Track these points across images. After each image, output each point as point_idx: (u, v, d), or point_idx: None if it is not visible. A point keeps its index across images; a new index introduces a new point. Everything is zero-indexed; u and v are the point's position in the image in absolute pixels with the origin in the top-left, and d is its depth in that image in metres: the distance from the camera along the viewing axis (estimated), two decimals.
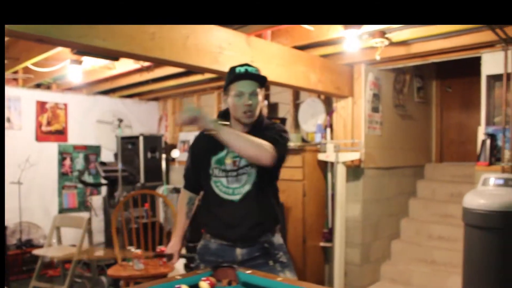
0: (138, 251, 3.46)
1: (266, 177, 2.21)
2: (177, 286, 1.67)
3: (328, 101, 5.01)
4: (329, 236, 4.71)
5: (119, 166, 4.80)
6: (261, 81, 2.17)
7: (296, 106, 5.43)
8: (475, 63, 4.27)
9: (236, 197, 2.18)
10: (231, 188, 2.18)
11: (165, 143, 6.72)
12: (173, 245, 2.37)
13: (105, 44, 2.70)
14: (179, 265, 3.93)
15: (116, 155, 5.79)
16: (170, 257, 2.35)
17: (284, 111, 5.58)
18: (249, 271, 1.92)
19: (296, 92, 5.44)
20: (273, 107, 5.70)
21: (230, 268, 1.96)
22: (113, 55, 3.17)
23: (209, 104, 6.64)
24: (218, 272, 1.96)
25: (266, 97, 5.72)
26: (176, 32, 3.01)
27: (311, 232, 4.67)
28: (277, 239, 2.27)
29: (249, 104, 2.09)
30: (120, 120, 5.05)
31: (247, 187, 2.17)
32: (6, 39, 3.89)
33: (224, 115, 2.25)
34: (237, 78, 2.12)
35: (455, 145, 6.17)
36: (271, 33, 3.76)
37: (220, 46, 3.29)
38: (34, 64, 4.59)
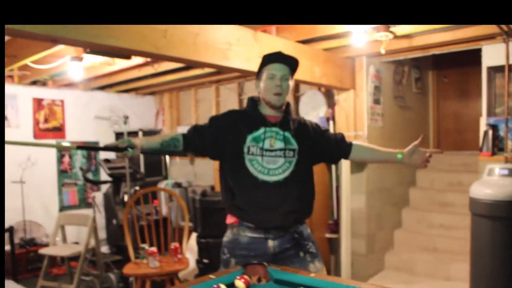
0: (153, 249, 3.47)
1: (306, 166, 2.24)
2: (215, 286, 1.69)
3: (329, 94, 5.04)
4: (334, 227, 4.77)
5: (127, 163, 4.80)
6: (293, 66, 2.22)
7: (297, 99, 5.46)
8: (471, 53, 4.33)
9: (272, 178, 2.14)
10: (267, 168, 2.14)
11: None
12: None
13: (118, 43, 2.69)
14: (191, 262, 3.95)
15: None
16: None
17: None
18: (279, 268, 1.94)
19: (296, 84, 5.46)
20: None
21: (260, 265, 1.95)
22: (126, 54, 3.16)
23: (207, 98, 6.64)
24: (247, 269, 1.94)
25: None
26: (186, 30, 3.01)
27: (317, 224, 4.72)
28: (306, 229, 2.27)
29: (279, 85, 2.14)
30: (126, 117, 5.03)
31: (286, 173, 2.15)
32: (6, 37, 3.86)
33: (254, 101, 2.29)
34: (270, 60, 2.19)
35: (452, 134, 6.25)
36: (276, 28, 3.77)
37: (229, 42, 3.30)
38: (32, 61, 4.54)
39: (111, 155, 6.41)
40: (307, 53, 4.03)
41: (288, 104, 2.28)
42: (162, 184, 5.93)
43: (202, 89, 6.71)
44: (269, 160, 2.15)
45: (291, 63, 2.21)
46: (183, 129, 6.59)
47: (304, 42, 4.04)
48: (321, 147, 2.29)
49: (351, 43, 3.79)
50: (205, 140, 2.23)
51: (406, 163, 2.21)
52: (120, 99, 6.95)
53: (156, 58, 3.41)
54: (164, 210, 5.37)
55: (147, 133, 6.29)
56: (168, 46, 2.91)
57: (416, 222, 5.39)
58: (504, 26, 3.57)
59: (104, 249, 6.05)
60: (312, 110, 5.10)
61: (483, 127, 4.16)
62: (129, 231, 3.77)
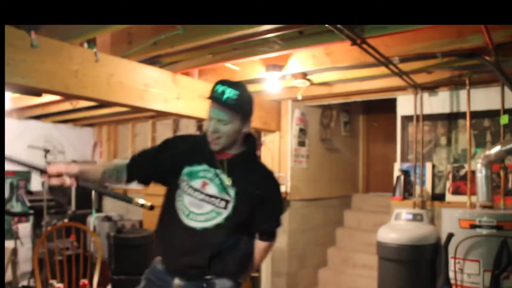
0: (61, 285, 3.42)
1: (236, 224, 1.93)
2: None
3: (257, 134, 5.18)
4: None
5: (44, 195, 4.75)
6: (236, 108, 1.87)
7: None
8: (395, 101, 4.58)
9: (190, 223, 1.91)
10: (188, 210, 1.92)
11: None
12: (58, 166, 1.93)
13: (25, 82, 2.71)
14: None
15: (43, 183, 5.67)
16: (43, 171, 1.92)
17: None
18: None
19: None
20: None
21: None
22: (34, 92, 3.18)
23: (144, 132, 6.69)
24: None
25: (200, 127, 5.84)
26: (100, 70, 3.07)
27: None
28: (222, 283, 1.94)
29: (214, 131, 1.88)
30: (47, 151, 4.99)
31: (208, 223, 1.90)
32: None
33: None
34: (210, 98, 1.89)
35: (380, 176, 6.49)
36: (198, 71, 3.90)
37: (146, 83, 3.38)
38: None
39: (38, 183, 6.30)
40: None
41: (250, 138, 2.02)
42: (90, 217, 5.84)
43: (140, 123, 6.75)
44: (193, 202, 1.92)
45: (234, 105, 1.86)
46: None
47: None
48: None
49: (264, 89, 3.94)
50: (144, 163, 2.03)
51: None
52: (56, 129, 6.86)
53: (68, 97, 3.46)
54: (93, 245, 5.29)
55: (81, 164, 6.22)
56: (79, 85, 2.95)
57: (341, 261, 5.51)
58: (409, 80, 3.82)
59: (32, 281, 5.85)
60: None
61: (396, 172, 4.38)
62: (40, 267, 3.69)
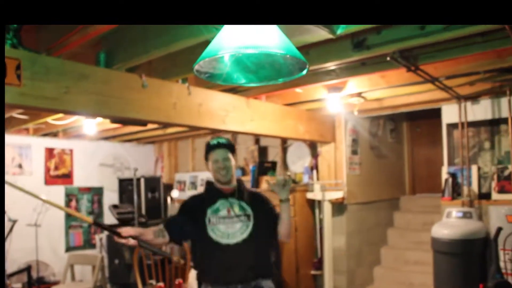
0: (160, 284, 4.01)
1: (263, 228, 2.66)
2: None
3: (312, 145, 5.71)
4: (318, 265, 5.34)
5: (131, 208, 5.39)
6: (230, 148, 2.71)
7: (284, 149, 6.12)
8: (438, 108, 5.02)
9: (232, 241, 2.55)
10: (227, 233, 2.56)
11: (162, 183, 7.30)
12: (128, 230, 2.44)
13: (138, 116, 3.34)
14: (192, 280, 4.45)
15: (121, 197, 6.36)
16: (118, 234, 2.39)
17: (273, 153, 6.28)
18: None
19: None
20: (263, 150, 6.37)
21: None
22: (143, 123, 3.79)
23: (203, 147, 7.26)
24: None
25: (257, 141, 6.42)
26: (191, 101, 3.67)
27: (303, 262, 5.30)
28: (268, 284, 2.65)
29: (222, 167, 2.62)
30: (136, 169, 5.65)
31: (244, 235, 2.57)
32: None
33: (210, 182, 2.78)
34: (211, 148, 2.69)
35: (425, 179, 6.92)
36: (266, 96, 4.45)
37: (226, 109, 3.96)
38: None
39: (109, 198, 7.01)
40: (292, 114, 4.71)
41: (240, 180, 2.82)
42: None
43: (199, 139, 7.37)
44: (227, 226, 2.59)
45: (228, 147, 2.71)
46: (180, 176, 7.19)
47: (290, 104, 4.73)
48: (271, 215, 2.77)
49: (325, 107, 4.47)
50: (177, 226, 2.62)
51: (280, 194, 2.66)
52: (122, 148, 7.57)
53: (168, 125, 4.06)
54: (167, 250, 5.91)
55: (148, 179, 6.87)
56: (177, 115, 3.56)
57: (394, 259, 5.96)
58: (453, 93, 4.29)
59: (108, 287, 6.52)
60: (297, 160, 5.76)
61: (444, 175, 4.84)
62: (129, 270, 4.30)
